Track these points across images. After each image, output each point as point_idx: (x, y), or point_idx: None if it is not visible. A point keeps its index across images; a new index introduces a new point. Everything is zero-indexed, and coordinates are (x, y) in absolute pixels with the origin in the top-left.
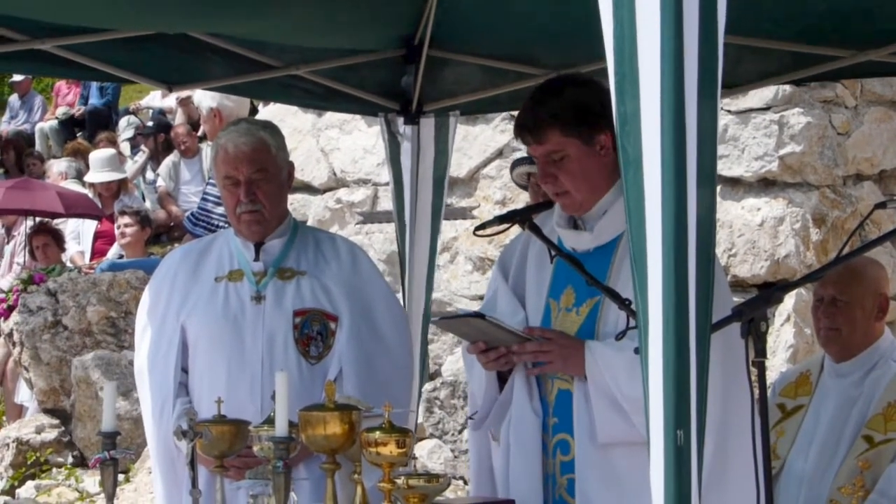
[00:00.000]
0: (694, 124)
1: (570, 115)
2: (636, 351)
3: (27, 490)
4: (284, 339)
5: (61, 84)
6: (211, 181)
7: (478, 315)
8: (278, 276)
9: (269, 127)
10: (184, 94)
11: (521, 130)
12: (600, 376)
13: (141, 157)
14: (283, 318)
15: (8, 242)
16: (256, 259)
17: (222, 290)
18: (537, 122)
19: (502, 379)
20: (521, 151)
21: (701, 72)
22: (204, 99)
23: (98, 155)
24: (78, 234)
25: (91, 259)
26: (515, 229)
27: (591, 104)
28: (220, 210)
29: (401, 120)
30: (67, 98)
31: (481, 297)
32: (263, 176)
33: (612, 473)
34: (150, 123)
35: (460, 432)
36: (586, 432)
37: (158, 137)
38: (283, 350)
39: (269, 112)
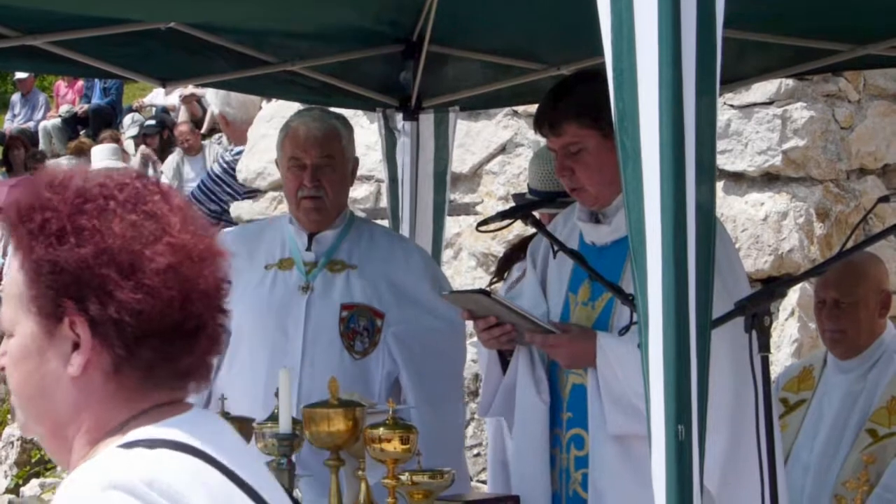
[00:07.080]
0: (692, 119)
1: (587, 107)
2: (639, 346)
3: (32, 488)
4: (330, 332)
5: (60, 83)
6: (211, 170)
7: (483, 292)
8: (328, 268)
9: (341, 118)
10: (187, 91)
11: (540, 124)
12: (611, 371)
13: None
14: (329, 310)
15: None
16: (308, 249)
17: (270, 278)
18: (555, 115)
19: (505, 362)
20: (525, 147)
21: (699, 66)
22: (212, 103)
23: (99, 147)
24: None
25: None
26: (518, 225)
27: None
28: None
29: (399, 116)
30: (67, 97)
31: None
32: (330, 163)
33: (626, 467)
34: (152, 122)
35: (465, 427)
36: (600, 426)
37: (164, 135)
38: (328, 343)
39: (273, 108)
